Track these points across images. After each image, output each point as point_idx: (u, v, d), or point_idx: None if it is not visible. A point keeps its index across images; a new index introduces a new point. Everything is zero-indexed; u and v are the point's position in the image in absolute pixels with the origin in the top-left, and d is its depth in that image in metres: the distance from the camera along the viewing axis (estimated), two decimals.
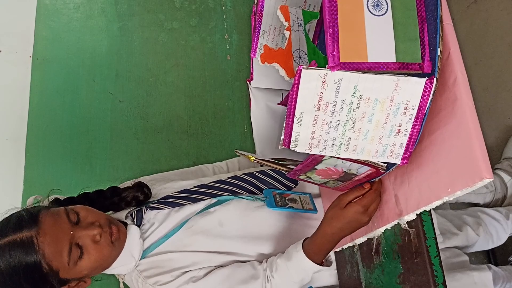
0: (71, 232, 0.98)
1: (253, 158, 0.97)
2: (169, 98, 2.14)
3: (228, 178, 1.25)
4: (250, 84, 1.17)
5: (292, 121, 0.81)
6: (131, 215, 1.15)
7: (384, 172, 0.90)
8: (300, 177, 0.99)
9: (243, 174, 1.26)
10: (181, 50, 2.20)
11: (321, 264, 1.05)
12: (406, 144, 0.83)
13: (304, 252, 1.03)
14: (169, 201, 1.16)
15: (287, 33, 1.13)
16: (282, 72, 1.06)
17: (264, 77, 1.19)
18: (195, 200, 1.17)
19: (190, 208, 1.16)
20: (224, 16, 2.26)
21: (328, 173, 0.94)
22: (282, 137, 0.83)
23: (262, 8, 1.14)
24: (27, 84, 2.10)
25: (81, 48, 2.18)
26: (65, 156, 2.03)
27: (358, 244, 1.17)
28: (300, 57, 1.09)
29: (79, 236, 0.99)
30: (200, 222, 1.15)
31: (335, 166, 0.90)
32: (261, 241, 1.18)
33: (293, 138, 0.83)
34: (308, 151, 0.84)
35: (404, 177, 0.96)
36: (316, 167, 0.92)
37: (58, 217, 0.99)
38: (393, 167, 0.89)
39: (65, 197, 1.15)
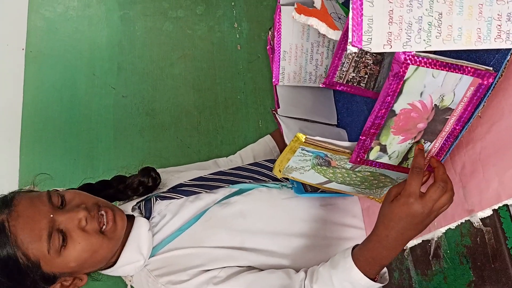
0: (51, 215, 0.85)
1: (304, 137, 0.79)
2: (177, 92, 2.03)
3: (248, 164, 1.11)
4: (276, 114, 1.06)
5: (361, 2, 0.61)
6: (139, 207, 1.01)
7: (493, 81, 0.69)
8: (370, 155, 0.80)
9: (264, 160, 1.12)
10: (188, 40, 2.09)
11: (374, 279, 0.86)
12: None
13: (353, 261, 0.85)
14: (182, 190, 1.03)
15: (318, 2, 0.99)
16: (323, 26, 0.89)
17: (292, 107, 1.10)
18: (212, 188, 1.04)
19: (208, 198, 1.03)
20: (233, 3, 2.14)
21: (413, 119, 0.74)
22: (350, 35, 0.62)
23: (280, 26, 1.04)
24: (21, 79, 2.00)
25: (79, 39, 2.07)
26: (64, 158, 1.93)
27: (410, 248, 1.01)
28: (339, 18, 0.93)
29: (61, 220, 0.86)
30: (220, 214, 1.00)
31: (421, 94, 0.70)
32: (291, 237, 1.03)
33: (364, 28, 0.62)
34: (387, 48, 0.64)
35: (476, 165, 0.79)
36: (394, 107, 0.71)
37: (37, 199, 0.87)
38: (503, 67, 0.68)
39: (65, 189, 1.01)
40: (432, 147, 0.79)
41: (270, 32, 1.15)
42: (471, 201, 0.81)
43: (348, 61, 0.93)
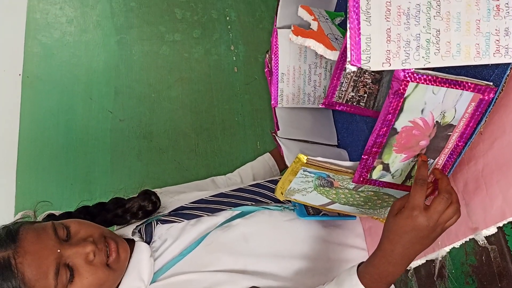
0: (58, 250, 0.83)
1: (306, 158, 0.78)
2: (174, 114, 2.01)
3: (249, 186, 1.09)
4: (276, 135, 1.06)
5: (358, 19, 0.61)
6: (139, 231, 0.99)
7: (494, 96, 0.69)
8: (373, 175, 0.79)
9: (266, 181, 1.11)
10: (185, 63, 2.08)
11: None
12: None
13: (359, 278, 0.83)
14: (183, 213, 1.01)
15: (314, 24, 1.00)
16: (320, 47, 0.89)
17: (292, 128, 1.09)
18: (214, 211, 1.02)
19: (209, 221, 1.01)
20: (229, 26, 2.15)
21: (414, 136, 0.73)
22: (348, 55, 0.63)
23: (277, 49, 1.05)
24: (17, 104, 1.98)
25: (75, 64, 2.06)
26: (60, 183, 1.89)
27: (414, 268, 1.00)
28: (336, 39, 0.93)
29: (68, 255, 0.84)
30: (222, 238, 0.98)
31: (422, 111, 0.69)
32: (294, 260, 1.01)
33: (363, 47, 0.62)
34: (386, 66, 0.63)
35: (479, 182, 0.78)
36: (396, 125, 0.71)
37: (43, 233, 0.84)
38: (503, 81, 0.68)
39: (62, 212, 1.00)
40: (435, 164, 0.78)
41: (267, 55, 1.16)
42: (475, 219, 0.80)
43: (346, 80, 0.93)
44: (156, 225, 0.99)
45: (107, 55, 2.09)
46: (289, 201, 1.08)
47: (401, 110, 0.69)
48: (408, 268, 1.00)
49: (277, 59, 1.10)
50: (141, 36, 2.12)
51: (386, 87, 0.91)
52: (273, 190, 1.07)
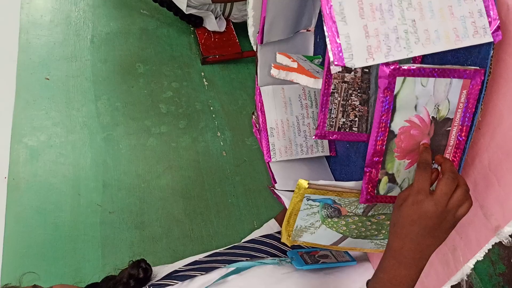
0: None
1: (307, 182, 0.76)
2: (165, 202, 1.99)
3: (243, 242, 1.08)
4: (274, 189, 1.06)
5: (334, 20, 0.62)
6: None
7: (484, 79, 0.67)
8: (380, 189, 0.74)
9: (261, 236, 1.09)
10: (173, 152, 2.11)
11: None
12: (485, 7, 0.64)
13: None
14: (176, 275, 0.97)
15: (294, 64, 1.02)
16: (303, 78, 0.90)
17: (289, 180, 1.09)
18: (208, 270, 0.97)
19: (203, 279, 0.96)
20: (213, 115, 2.23)
21: (414, 137, 0.70)
22: (331, 56, 0.62)
23: (263, 105, 1.08)
24: (2, 207, 1.93)
25: (62, 163, 2.06)
26: (48, 282, 1.72)
27: None
28: (317, 72, 0.95)
29: None
30: None
31: (415, 107, 0.68)
32: None
33: (343, 46, 0.62)
34: (370, 62, 0.62)
35: (489, 178, 0.74)
36: (392, 127, 0.68)
37: None
38: (489, 63, 0.66)
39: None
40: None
41: (253, 116, 1.17)
42: (493, 217, 0.75)
43: (335, 106, 0.92)
44: None
45: (94, 151, 2.10)
46: (286, 255, 1.04)
47: (394, 109, 0.68)
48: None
49: (264, 115, 1.11)
50: (128, 131, 2.15)
51: (374, 106, 0.91)
52: (267, 244, 1.05)
